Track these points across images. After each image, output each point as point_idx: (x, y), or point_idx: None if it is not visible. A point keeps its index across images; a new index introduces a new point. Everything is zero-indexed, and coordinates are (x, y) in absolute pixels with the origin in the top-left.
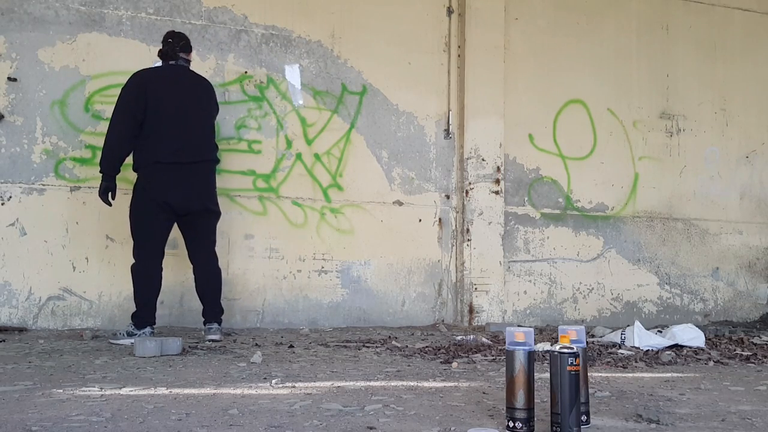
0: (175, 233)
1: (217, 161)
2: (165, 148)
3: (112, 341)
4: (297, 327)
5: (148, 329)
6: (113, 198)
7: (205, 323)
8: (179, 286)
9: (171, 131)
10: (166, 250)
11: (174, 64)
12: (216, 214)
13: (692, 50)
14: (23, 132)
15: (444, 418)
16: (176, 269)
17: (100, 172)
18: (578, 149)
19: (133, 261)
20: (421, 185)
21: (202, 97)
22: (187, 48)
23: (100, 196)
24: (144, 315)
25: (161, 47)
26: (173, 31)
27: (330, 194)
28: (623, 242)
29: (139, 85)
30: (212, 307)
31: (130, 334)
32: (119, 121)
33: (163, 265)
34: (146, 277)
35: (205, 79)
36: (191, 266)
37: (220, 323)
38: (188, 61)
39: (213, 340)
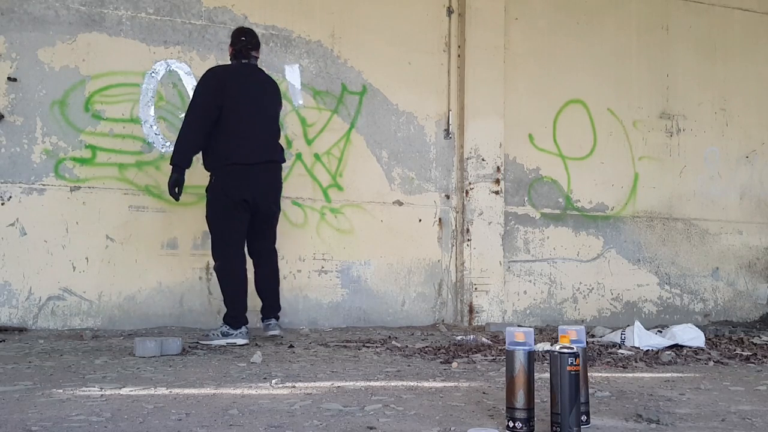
0: (175, 233)
1: (284, 161)
2: (240, 149)
3: (202, 342)
4: (297, 327)
5: (243, 329)
6: (180, 192)
7: (263, 319)
8: (179, 286)
9: (246, 131)
10: (166, 251)
11: (246, 63)
12: (278, 215)
13: (692, 50)
14: (23, 132)
15: (444, 418)
16: (176, 269)
17: (171, 164)
18: (578, 149)
19: (215, 262)
20: (421, 185)
21: (273, 98)
22: (258, 45)
23: (168, 188)
24: (237, 315)
25: (233, 45)
26: (243, 28)
27: (330, 194)
28: (623, 242)
29: (216, 82)
30: (272, 304)
31: (225, 335)
32: (196, 117)
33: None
34: (234, 276)
35: (272, 78)
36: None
37: (278, 319)
38: (257, 59)
39: (274, 336)
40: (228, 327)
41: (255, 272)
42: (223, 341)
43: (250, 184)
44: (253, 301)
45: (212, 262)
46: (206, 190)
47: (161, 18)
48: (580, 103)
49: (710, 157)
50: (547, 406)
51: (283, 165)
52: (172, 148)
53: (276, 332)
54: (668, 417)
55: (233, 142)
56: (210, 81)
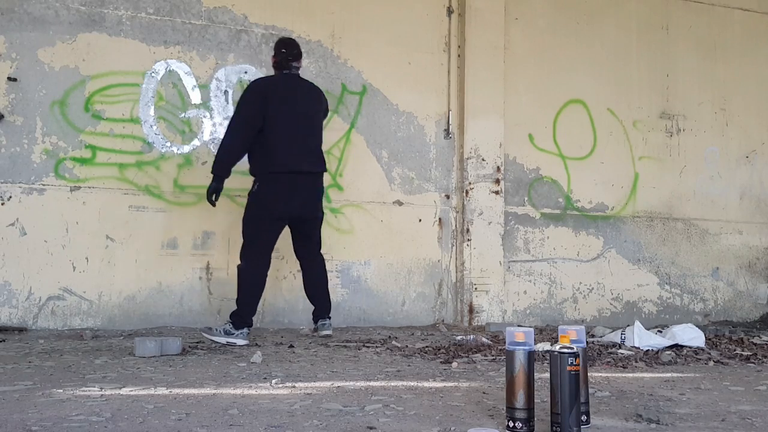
0: (175, 233)
1: (326, 169)
2: (282, 158)
3: (205, 335)
4: (297, 327)
5: (245, 330)
6: (217, 199)
7: (316, 320)
8: (179, 286)
9: (288, 142)
10: (167, 251)
11: (288, 74)
12: (322, 219)
13: (692, 50)
14: (23, 132)
15: (444, 418)
16: (176, 269)
17: (212, 173)
18: (578, 149)
19: (240, 262)
20: (421, 185)
21: (315, 106)
22: (299, 56)
23: (207, 195)
24: (244, 315)
25: (274, 56)
26: (285, 39)
27: (330, 194)
28: (623, 242)
29: (260, 93)
30: (323, 305)
31: (227, 333)
32: (238, 128)
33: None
34: (254, 281)
35: (315, 86)
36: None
37: (330, 318)
38: (299, 69)
39: (327, 335)
40: (231, 326)
41: (303, 277)
42: (223, 339)
43: (290, 194)
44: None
45: (212, 262)
46: (248, 194)
47: (161, 18)
48: (580, 103)
49: (710, 157)
50: (547, 406)
51: None
52: (173, 149)
53: (329, 332)
54: (668, 417)
55: (276, 151)
56: (253, 92)
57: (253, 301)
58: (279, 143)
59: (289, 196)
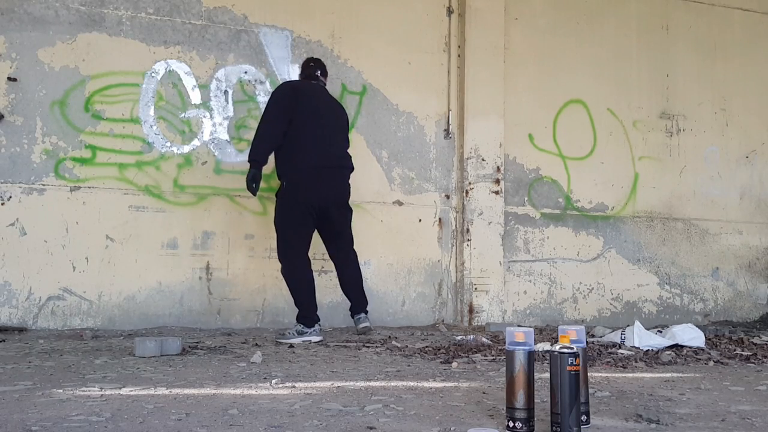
0: (175, 233)
1: (353, 169)
2: (310, 154)
3: (280, 340)
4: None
5: (317, 327)
6: (257, 188)
7: (354, 315)
8: (179, 286)
9: (316, 138)
10: (166, 251)
11: (315, 83)
12: (351, 212)
13: (692, 50)
14: (23, 132)
15: (444, 418)
16: (176, 269)
17: (249, 161)
18: (578, 149)
19: (281, 266)
20: (421, 185)
21: (341, 112)
22: (325, 73)
23: (246, 184)
24: (310, 314)
25: (302, 70)
26: (313, 57)
27: None
28: (623, 242)
29: (292, 89)
30: (359, 300)
31: (300, 333)
32: (272, 117)
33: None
34: (302, 277)
35: (338, 101)
36: (193, 267)
37: (367, 313)
38: (324, 84)
39: (366, 328)
40: (302, 326)
41: (338, 274)
42: (299, 339)
43: (320, 189)
44: (254, 302)
45: (212, 262)
46: (276, 195)
47: (161, 18)
48: (580, 103)
49: (710, 157)
50: (547, 406)
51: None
52: (173, 149)
53: (367, 324)
54: (668, 417)
55: (304, 148)
56: (284, 88)
57: (309, 299)
58: (305, 141)
59: (315, 186)
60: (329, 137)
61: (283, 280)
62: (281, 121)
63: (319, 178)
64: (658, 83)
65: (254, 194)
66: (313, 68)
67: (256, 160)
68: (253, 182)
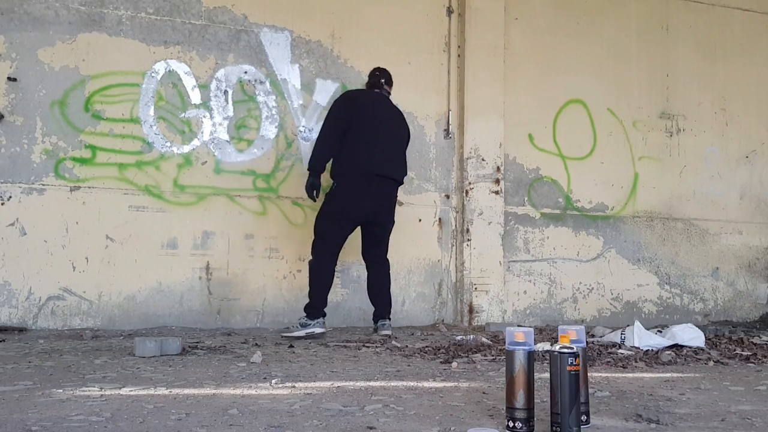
0: (175, 233)
1: (402, 182)
2: (365, 160)
3: (284, 335)
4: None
5: (321, 319)
6: (317, 195)
7: (377, 320)
8: (179, 286)
9: (369, 146)
10: (166, 251)
11: (378, 92)
12: (393, 224)
13: (692, 50)
14: (23, 132)
15: (444, 418)
16: (176, 269)
17: (308, 169)
18: (578, 149)
19: (311, 257)
20: (421, 185)
21: (400, 123)
22: (390, 83)
23: (306, 191)
24: (318, 306)
25: (369, 79)
26: (380, 67)
27: None
28: (623, 242)
29: (350, 98)
30: (385, 306)
31: (303, 325)
32: (330, 128)
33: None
34: (325, 273)
35: (399, 109)
36: (193, 267)
37: (390, 319)
38: (389, 93)
39: (387, 335)
40: (306, 317)
41: (368, 278)
42: (302, 332)
43: (367, 196)
44: (254, 302)
45: (212, 262)
46: (326, 194)
47: (161, 18)
48: (580, 103)
49: (710, 157)
50: (547, 406)
51: (291, 166)
52: (173, 149)
53: (389, 332)
54: (668, 417)
55: (359, 153)
56: (344, 98)
57: (323, 294)
58: (360, 146)
59: (363, 198)
60: (386, 146)
61: (284, 279)
62: (336, 132)
63: (368, 188)
64: (658, 83)
65: (314, 201)
66: (378, 77)
67: (314, 168)
68: (312, 189)
